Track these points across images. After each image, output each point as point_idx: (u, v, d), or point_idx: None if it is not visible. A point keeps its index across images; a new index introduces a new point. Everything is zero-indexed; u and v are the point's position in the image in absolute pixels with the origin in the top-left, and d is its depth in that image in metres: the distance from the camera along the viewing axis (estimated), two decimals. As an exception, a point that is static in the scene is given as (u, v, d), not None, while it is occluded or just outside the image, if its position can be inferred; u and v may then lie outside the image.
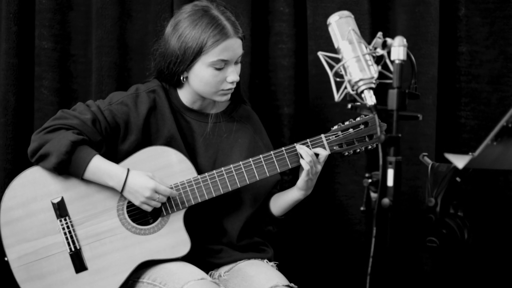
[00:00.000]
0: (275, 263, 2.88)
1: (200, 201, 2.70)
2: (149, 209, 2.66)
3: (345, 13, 2.10)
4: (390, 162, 1.93)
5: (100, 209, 2.70)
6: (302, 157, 2.70)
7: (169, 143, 2.75)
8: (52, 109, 3.29)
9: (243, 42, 2.74)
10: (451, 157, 1.99)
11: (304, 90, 3.34)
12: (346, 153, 2.75)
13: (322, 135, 2.73)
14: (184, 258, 2.71)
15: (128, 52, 3.37)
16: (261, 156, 2.71)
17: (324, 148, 2.73)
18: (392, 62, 1.99)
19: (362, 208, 1.98)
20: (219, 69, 2.68)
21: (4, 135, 3.30)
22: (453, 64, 3.30)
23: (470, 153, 1.94)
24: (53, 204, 2.69)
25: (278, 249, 3.00)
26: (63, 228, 2.68)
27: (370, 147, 2.76)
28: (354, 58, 2.02)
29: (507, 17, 3.24)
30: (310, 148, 2.71)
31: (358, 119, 2.74)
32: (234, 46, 2.69)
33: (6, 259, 2.69)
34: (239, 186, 2.72)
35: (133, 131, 2.74)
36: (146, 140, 2.75)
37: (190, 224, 2.72)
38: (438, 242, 2.11)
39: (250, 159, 2.71)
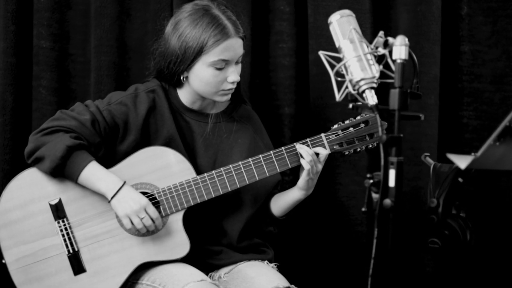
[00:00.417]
0: (275, 265, 2.88)
1: (199, 202, 2.69)
2: (128, 225, 2.63)
3: (346, 12, 2.10)
4: (391, 163, 1.92)
5: (99, 211, 2.69)
6: (302, 156, 2.69)
7: (168, 143, 2.75)
8: (50, 109, 3.29)
9: (244, 41, 2.74)
10: (453, 157, 1.98)
11: (305, 89, 3.34)
12: (347, 152, 2.75)
13: (322, 134, 2.73)
14: (183, 260, 2.70)
15: (127, 51, 3.37)
16: (260, 156, 2.71)
17: (324, 147, 2.72)
18: (393, 61, 1.98)
19: (363, 209, 1.98)
20: (219, 69, 2.68)
21: (2, 135, 3.29)
22: (455, 64, 3.30)
23: (473, 154, 1.94)
24: (50, 205, 2.68)
25: (279, 250, 2.99)
26: (61, 230, 2.68)
27: (370, 146, 2.75)
28: (355, 57, 2.02)
29: (510, 16, 3.23)
30: (310, 148, 2.71)
31: (358, 118, 2.74)
32: (235, 46, 2.69)
33: (3, 261, 2.68)
34: (238, 187, 2.71)
35: (132, 131, 2.74)
36: (145, 140, 2.75)
37: (189, 225, 2.71)
38: (440, 243, 2.10)
39: (250, 159, 2.71)
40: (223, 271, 2.82)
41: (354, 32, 2.05)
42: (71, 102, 3.27)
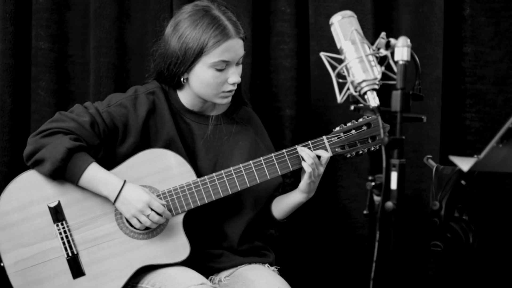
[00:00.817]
0: (276, 268, 2.88)
1: (199, 204, 2.70)
2: (137, 224, 2.64)
3: (348, 13, 2.10)
4: (393, 165, 1.92)
5: (98, 213, 2.69)
6: (303, 159, 2.69)
7: (168, 145, 2.75)
8: (49, 110, 3.29)
9: (244, 42, 2.74)
10: (456, 159, 1.98)
11: (306, 91, 3.34)
12: (349, 155, 2.75)
13: (324, 137, 2.73)
14: (183, 263, 2.70)
15: (126, 52, 3.37)
16: (261, 158, 2.71)
17: (326, 150, 2.72)
18: (395, 62, 1.98)
19: (365, 212, 1.98)
20: (220, 70, 2.68)
21: (0, 137, 3.29)
22: (458, 65, 3.30)
23: (475, 156, 1.94)
24: (49, 208, 2.68)
25: (280, 253, 2.99)
26: (60, 233, 2.68)
27: (372, 148, 2.75)
28: (357, 58, 2.02)
29: (513, 17, 3.24)
30: (311, 150, 2.71)
31: (360, 120, 2.74)
32: (235, 47, 2.69)
33: (2, 264, 2.68)
34: (239, 189, 2.71)
35: (131, 133, 2.74)
36: (145, 142, 2.75)
37: (189, 228, 2.71)
38: (442, 246, 2.11)
39: (251, 162, 2.71)
40: (223, 274, 2.82)
41: (355, 33, 2.05)
42: (70, 103, 3.27)
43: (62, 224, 2.68)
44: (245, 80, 3.20)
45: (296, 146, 2.72)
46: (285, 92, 3.34)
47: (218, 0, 2.79)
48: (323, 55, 2.07)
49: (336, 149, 2.73)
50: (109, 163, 2.70)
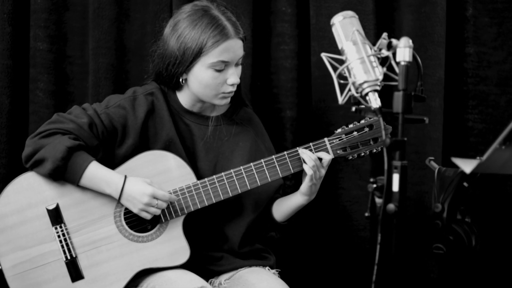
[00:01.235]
0: (277, 271, 2.88)
1: (199, 207, 2.70)
2: (148, 216, 2.65)
3: (349, 13, 2.10)
4: (395, 167, 1.92)
5: (97, 216, 2.69)
6: (305, 161, 2.69)
7: (167, 147, 2.75)
8: (47, 112, 3.29)
9: (244, 43, 2.74)
10: (458, 161, 1.98)
11: (307, 92, 3.34)
12: (350, 157, 2.75)
13: (326, 139, 2.73)
14: (183, 266, 2.70)
15: (125, 53, 3.37)
16: (262, 160, 2.71)
17: (328, 152, 2.72)
18: (397, 63, 1.99)
19: (366, 214, 1.98)
20: (219, 71, 2.68)
21: (-2, 139, 3.30)
22: (460, 66, 3.30)
23: (478, 157, 1.94)
24: (48, 210, 2.68)
25: (280, 256, 2.99)
26: (59, 236, 2.68)
27: (374, 150, 2.76)
28: (358, 59, 2.02)
29: (516, 17, 3.24)
30: (313, 152, 2.71)
31: (362, 121, 2.74)
32: (234, 47, 2.69)
33: (0, 267, 2.68)
34: (239, 192, 2.71)
35: (130, 134, 2.74)
36: (144, 144, 2.75)
37: (189, 230, 2.71)
38: (445, 249, 2.11)
39: (251, 164, 2.71)
40: (223, 277, 2.82)
41: (357, 34, 2.05)
42: (68, 105, 3.26)
43: (60, 227, 2.68)
44: (246, 81, 3.21)
45: (297, 148, 2.72)
46: (286, 93, 3.34)
47: (218, 0, 2.79)
48: (324, 56, 2.07)
49: (338, 151, 2.73)
50: (108, 165, 2.70)
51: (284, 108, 3.34)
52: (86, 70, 3.36)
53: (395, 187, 1.92)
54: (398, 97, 1.96)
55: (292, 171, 2.73)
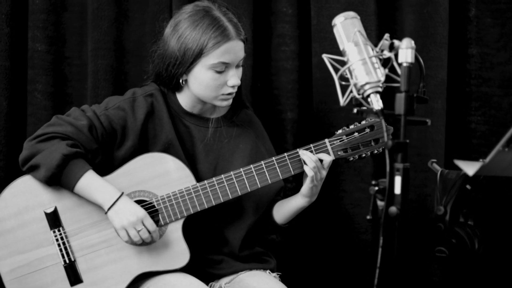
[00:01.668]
0: (277, 274, 2.88)
1: (199, 210, 2.69)
2: (125, 237, 2.62)
3: (351, 14, 2.10)
4: (397, 169, 1.92)
5: (95, 219, 2.69)
6: (305, 163, 2.69)
7: (167, 149, 2.75)
8: (45, 114, 3.29)
9: (245, 44, 2.74)
10: (461, 163, 1.98)
11: (308, 94, 3.34)
12: (351, 158, 2.75)
13: (326, 140, 2.73)
14: (183, 269, 2.70)
15: (125, 54, 3.37)
16: (262, 162, 2.71)
17: (328, 153, 2.72)
18: (399, 65, 1.99)
19: (368, 217, 1.98)
20: (219, 72, 2.68)
21: (-5, 141, 3.30)
22: (463, 67, 3.30)
23: (481, 160, 1.94)
24: (46, 214, 2.68)
25: (281, 259, 2.99)
26: (57, 239, 2.68)
27: (376, 151, 2.75)
28: (360, 60, 2.02)
29: (519, 18, 3.24)
30: (313, 154, 2.71)
31: (363, 122, 2.74)
32: (235, 49, 2.69)
33: (-3, 271, 2.69)
34: (240, 194, 2.71)
35: (130, 136, 2.74)
36: (143, 146, 2.75)
37: (189, 233, 2.71)
38: (447, 252, 2.11)
39: (251, 166, 2.71)
40: (223, 281, 2.81)
41: (358, 35, 2.05)
42: (67, 106, 3.26)
43: (58, 231, 2.68)
44: (246, 83, 3.21)
45: (298, 149, 2.72)
46: (287, 95, 3.34)
47: (219, 1, 2.79)
48: (325, 57, 2.07)
49: (339, 152, 2.73)
50: (107, 167, 2.70)
51: (285, 110, 3.34)
52: (85, 71, 3.36)
53: (397, 189, 1.92)
54: (400, 98, 1.96)
55: (292, 173, 2.72)
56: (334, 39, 2.11)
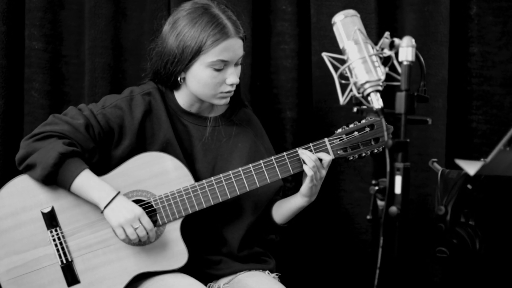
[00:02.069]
0: (277, 275, 2.88)
1: (197, 209, 2.69)
2: (122, 235, 2.62)
3: (351, 12, 2.10)
4: (397, 169, 1.92)
5: (93, 219, 2.69)
6: (305, 162, 2.69)
7: (165, 148, 2.75)
8: (42, 112, 3.29)
9: (244, 42, 2.74)
10: (462, 163, 1.98)
11: (307, 93, 3.34)
12: (351, 158, 2.74)
13: (326, 139, 2.73)
14: (181, 270, 2.70)
15: (122, 53, 3.37)
16: (261, 161, 2.71)
17: (328, 152, 2.72)
18: (400, 63, 1.99)
19: (368, 217, 1.98)
20: (218, 70, 2.68)
21: (-8, 140, 3.30)
22: (464, 66, 3.30)
23: (482, 159, 1.94)
24: (43, 214, 2.68)
25: (280, 260, 2.99)
26: (54, 240, 2.67)
27: (376, 150, 2.75)
28: (360, 59, 2.02)
29: (520, 16, 3.24)
30: (313, 153, 2.71)
31: (363, 121, 2.74)
32: (234, 47, 2.69)
33: (-6, 272, 2.69)
34: (238, 194, 2.71)
35: (127, 135, 2.74)
36: (140, 145, 2.75)
37: (187, 233, 2.71)
38: (448, 252, 2.11)
39: (250, 165, 2.70)
40: (222, 281, 2.81)
41: (358, 33, 2.05)
42: (64, 105, 3.27)
43: (56, 231, 2.68)
44: (245, 81, 3.21)
45: (297, 148, 2.72)
46: (286, 94, 3.34)
47: (218, -2, 2.80)
48: (325, 55, 2.07)
49: (338, 152, 2.73)
50: (105, 167, 2.69)
51: (284, 109, 3.34)
52: (82, 70, 3.36)
53: (398, 189, 1.92)
54: (400, 97, 1.96)
55: (291, 172, 2.72)
56: (334, 37, 2.11)
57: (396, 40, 2.01)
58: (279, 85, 3.35)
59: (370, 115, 2.03)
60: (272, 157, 2.71)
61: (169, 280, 2.66)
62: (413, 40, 1.99)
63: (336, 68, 2.04)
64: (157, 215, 2.68)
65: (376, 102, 1.98)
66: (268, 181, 2.71)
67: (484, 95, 3.29)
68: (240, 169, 2.70)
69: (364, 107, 2.02)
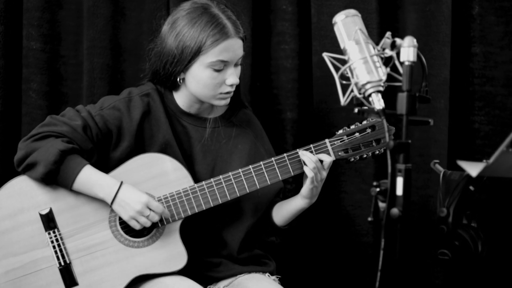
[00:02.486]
0: (277, 277, 2.88)
1: (197, 211, 2.69)
2: (137, 226, 2.63)
3: (352, 11, 2.09)
4: (399, 170, 1.92)
5: (91, 221, 2.69)
6: (305, 163, 2.69)
7: (164, 149, 2.75)
8: (40, 113, 3.29)
9: (244, 43, 2.74)
10: (464, 164, 1.98)
11: (308, 93, 3.34)
12: (352, 159, 2.75)
13: (327, 140, 2.73)
14: (181, 272, 2.70)
15: (121, 53, 3.37)
16: (261, 163, 2.71)
17: (329, 153, 2.72)
18: (401, 63, 1.98)
19: (369, 219, 1.98)
20: (218, 71, 2.68)
21: (-11, 141, 3.30)
22: (466, 66, 3.30)
23: (484, 160, 1.94)
24: (41, 215, 2.68)
25: (281, 262, 2.99)
26: (52, 241, 2.67)
27: (377, 152, 2.75)
28: (361, 59, 2.02)
29: (523, 16, 3.24)
30: (313, 154, 2.71)
31: (364, 122, 2.74)
32: (234, 47, 2.69)
33: (-8, 274, 2.68)
34: (238, 195, 2.71)
35: (125, 137, 2.74)
36: (139, 146, 2.75)
37: (187, 235, 2.71)
38: (450, 254, 2.10)
39: (250, 166, 2.70)
40: (222, 284, 2.81)
41: (360, 33, 2.05)
42: (62, 106, 3.27)
43: (54, 232, 2.68)
44: (245, 82, 3.20)
45: (298, 150, 2.72)
46: (286, 94, 3.34)
47: (217, -2, 2.80)
48: (325, 55, 2.07)
49: (339, 153, 2.73)
50: (103, 169, 2.69)
51: (285, 110, 3.34)
52: (80, 70, 3.35)
53: (399, 191, 1.92)
54: (402, 98, 1.96)
55: (292, 174, 2.72)
56: (335, 37, 2.10)
57: (398, 40, 2.01)
58: (279, 85, 3.35)
59: (371, 116, 2.03)
60: (272, 158, 2.71)
61: (168, 282, 2.66)
62: (415, 40, 1.98)
63: (337, 69, 2.04)
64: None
65: (378, 103, 1.98)
66: (268, 182, 2.71)
67: (486, 96, 3.29)
68: (239, 170, 2.70)
69: (365, 108, 2.02)
